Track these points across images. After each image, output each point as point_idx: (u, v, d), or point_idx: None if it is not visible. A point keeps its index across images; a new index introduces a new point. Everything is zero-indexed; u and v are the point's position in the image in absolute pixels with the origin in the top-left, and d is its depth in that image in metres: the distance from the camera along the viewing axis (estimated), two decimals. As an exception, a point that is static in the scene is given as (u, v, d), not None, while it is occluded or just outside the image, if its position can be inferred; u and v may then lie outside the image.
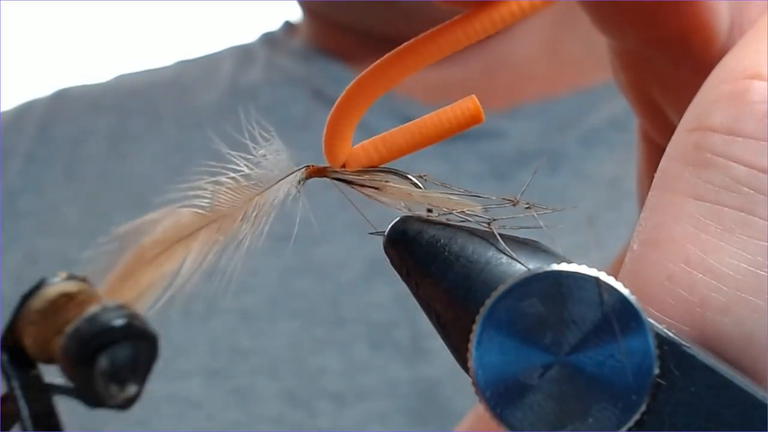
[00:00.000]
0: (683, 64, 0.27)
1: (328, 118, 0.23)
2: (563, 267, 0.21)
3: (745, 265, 0.20)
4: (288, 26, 0.81)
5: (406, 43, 0.22)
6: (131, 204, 0.68)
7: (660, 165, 0.22)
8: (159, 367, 0.61)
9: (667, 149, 0.23)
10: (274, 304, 0.62)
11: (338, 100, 0.23)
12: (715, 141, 0.21)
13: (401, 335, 0.60)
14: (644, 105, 0.31)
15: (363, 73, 0.22)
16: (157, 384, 0.60)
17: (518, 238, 0.22)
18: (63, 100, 0.78)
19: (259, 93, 0.73)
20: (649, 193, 0.22)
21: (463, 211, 0.22)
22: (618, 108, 0.67)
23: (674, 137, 0.23)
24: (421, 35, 0.22)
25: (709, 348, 0.21)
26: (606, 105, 0.68)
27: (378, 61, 0.22)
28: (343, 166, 0.23)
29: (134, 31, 1.48)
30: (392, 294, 0.61)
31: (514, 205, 0.23)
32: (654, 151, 0.32)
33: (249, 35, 0.81)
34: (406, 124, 0.23)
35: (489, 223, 0.22)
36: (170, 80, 0.78)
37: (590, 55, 0.70)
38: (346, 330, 0.61)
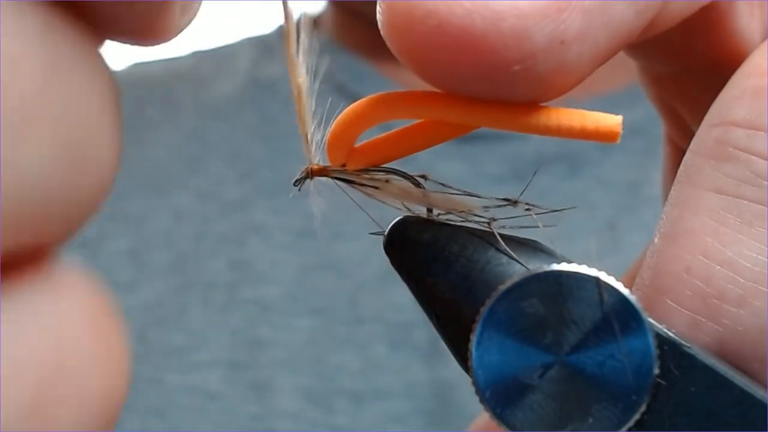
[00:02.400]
0: (714, 88, 0.27)
1: (337, 118, 0.23)
2: (563, 267, 0.21)
3: (763, 258, 0.20)
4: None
5: (451, 93, 0.21)
6: (147, 190, 0.68)
7: (683, 160, 0.22)
8: (177, 357, 0.61)
9: (691, 144, 0.22)
10: (294, 299, 0.62)
11: (356, 105, 0.22)
12: (736, 135, 0.21)
13: (420, 336, 0.60)
14: (669, 114, 0.31)
15: (393, 93, 0.22)
16: (175, 374, 0.61)
17: (518, 238, 0.22)
18: None
19: (278, 85, 0.73)
20: (672, 187, 0.22)
21: (463, 211, 0.22)
22: (637, 114, 0.66)
23: (698, 133, 0.23)
24: (471, 98, 0.21)
25: (725, 340, 0.21)
26: (625, 111, 0.68)
27: (414, 90, 0.22)
28: (344, 165, 0.23)
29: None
30: (410, 295, 0.60)
31: (514, 205, 0.23)
32: (678, 154, 0.32)
33: (264, 27, 0.81)
34: (408, 125, 0.23)
35: (489, 223, 0.22)
36: (187, 71, 0.78)
37: (610, 62, 0.69)
38: (365, 329, 0.61)
